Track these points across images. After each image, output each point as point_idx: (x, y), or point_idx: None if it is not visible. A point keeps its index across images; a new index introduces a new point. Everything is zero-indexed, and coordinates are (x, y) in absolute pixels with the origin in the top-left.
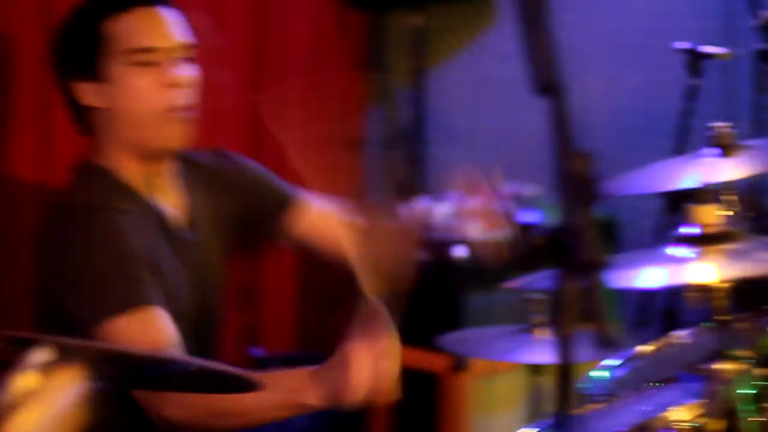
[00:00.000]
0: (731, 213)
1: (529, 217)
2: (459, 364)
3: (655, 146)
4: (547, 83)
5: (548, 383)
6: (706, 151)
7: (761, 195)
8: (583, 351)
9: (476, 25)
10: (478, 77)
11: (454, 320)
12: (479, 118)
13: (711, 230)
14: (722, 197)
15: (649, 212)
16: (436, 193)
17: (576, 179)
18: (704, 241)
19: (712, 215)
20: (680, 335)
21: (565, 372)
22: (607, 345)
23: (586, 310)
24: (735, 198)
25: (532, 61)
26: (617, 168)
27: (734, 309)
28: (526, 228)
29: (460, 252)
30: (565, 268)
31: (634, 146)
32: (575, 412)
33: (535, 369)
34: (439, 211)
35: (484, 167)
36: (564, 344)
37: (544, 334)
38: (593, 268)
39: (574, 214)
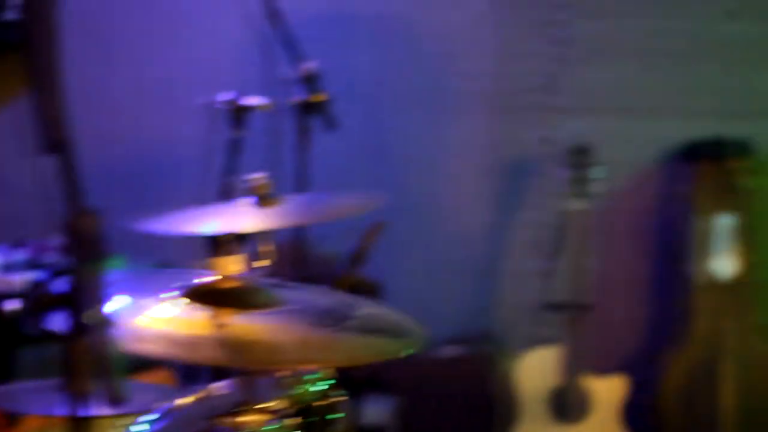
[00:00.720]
0: (267, 263)
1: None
2: (11, 420)
3: (196, 199)
4: (56, 141)
5: None
6: (242, 201)
7: (303, 245)
8: (101, 406)
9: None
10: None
11: (6, 374)
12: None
13: (231, 282)
14: (258, 247)
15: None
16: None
17: (83, 237)
18: (223, 295)
19: (238, 266)
20: (218, 387)
21: (77, 427)
22: (116, 401)
23: (96, 366)
24: (272, 248)
25: (40, 118)
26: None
27: None
28: (41, 283)
29: (11, 305)
30: (73, 324)
31: (170, 198)
32: None
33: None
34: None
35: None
36: (75, 399)
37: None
38: (98, 325)
39: (81, 271)
